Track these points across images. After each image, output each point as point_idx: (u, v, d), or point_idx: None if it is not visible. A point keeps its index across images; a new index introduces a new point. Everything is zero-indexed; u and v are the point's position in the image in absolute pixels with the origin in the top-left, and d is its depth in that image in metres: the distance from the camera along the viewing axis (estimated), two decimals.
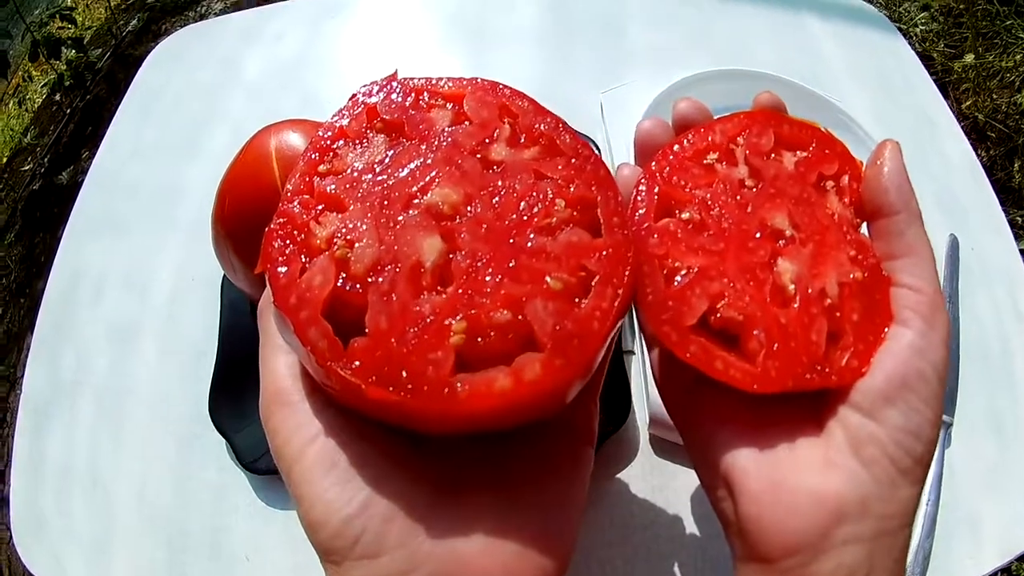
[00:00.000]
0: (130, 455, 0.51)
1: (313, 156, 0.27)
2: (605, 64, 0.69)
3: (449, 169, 0.26)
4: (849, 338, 0.27)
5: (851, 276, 0.28)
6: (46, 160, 1.65)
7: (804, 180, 0.30)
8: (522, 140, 0.27)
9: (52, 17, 1.72)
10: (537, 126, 0.28)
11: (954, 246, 0.59)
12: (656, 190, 0.29)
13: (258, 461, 0.46)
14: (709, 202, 0.29)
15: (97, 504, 0.49)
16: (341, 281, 0.24)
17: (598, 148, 0.60)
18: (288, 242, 0.25)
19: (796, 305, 0.27)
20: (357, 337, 0.23)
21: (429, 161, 0.26)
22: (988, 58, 1.44)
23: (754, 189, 0.30)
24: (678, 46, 0.71)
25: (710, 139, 0.31)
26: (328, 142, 0.27)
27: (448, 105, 0.28)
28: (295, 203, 0.26)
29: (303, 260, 0.24)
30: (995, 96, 1.42)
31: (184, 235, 0.61)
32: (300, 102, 0.69)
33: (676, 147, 0.31)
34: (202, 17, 1.74)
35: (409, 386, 0.22)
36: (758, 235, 0.28)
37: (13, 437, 0.54)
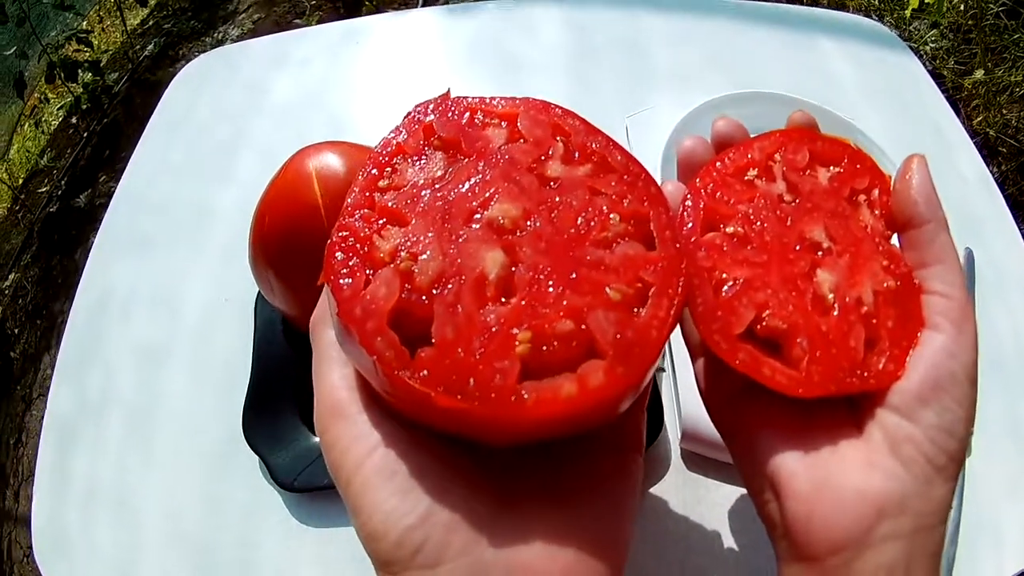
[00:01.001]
0: (158, 474, 0.51)
1: (373, 171, 0.27)
2: (627, 86, 0.71)
3: (507, 185, 0.27)
4: (885, 343, 0.28)
5: (885, 285, 0.29)
6: (63, 183, 1.67)
7: (838, 194, 0.32)
8: (576, 157, 0.29)
9: (68, 39, 1.75)
10: (589, 144, 0.29)
11: (970, 259, 0.60)
12: (701, 205, 0.31)
13: (296, 480, 0.46)
14: (751, 216, 0.31)
15: (123, 523, 0.49)
16: (406, 293, 0.24)
17: None
18: (351, 255, 0.25)
19: (836, 313, 0.29)
20: (424, 347, 0.23)
21: (488, 177, 0.27)
22: (997, 73, 1.45)
23: (792, 204, 0.31)
24: (697, 68, 0.72)
25: (749, 156, 0.33)
26: (386, 158, 0.28)
27: (502, 124, 0.29)
28: (356, 217, 0.26)
29: (367, 272, 0.25)
30: (1005, 111, 1.43)
31: (214, 256, 0.61)
32: (327, 126, 0.70)
33: (719, 164, 0.32)
34: (219, 43, 1.76)
35: (477, 394, 0.22)
36: (798, 247, 0.30)
37: (27, 456, 0.54)
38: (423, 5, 1.57)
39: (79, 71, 1.67)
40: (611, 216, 0.27)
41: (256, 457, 0.48)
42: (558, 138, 0.29)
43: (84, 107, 1.75)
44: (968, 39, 1.49)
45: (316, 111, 0.72)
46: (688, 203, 0.31)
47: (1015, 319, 0.57)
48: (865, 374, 0.28)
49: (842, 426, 0.29)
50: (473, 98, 0.30)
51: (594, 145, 0.29)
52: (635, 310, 0.25)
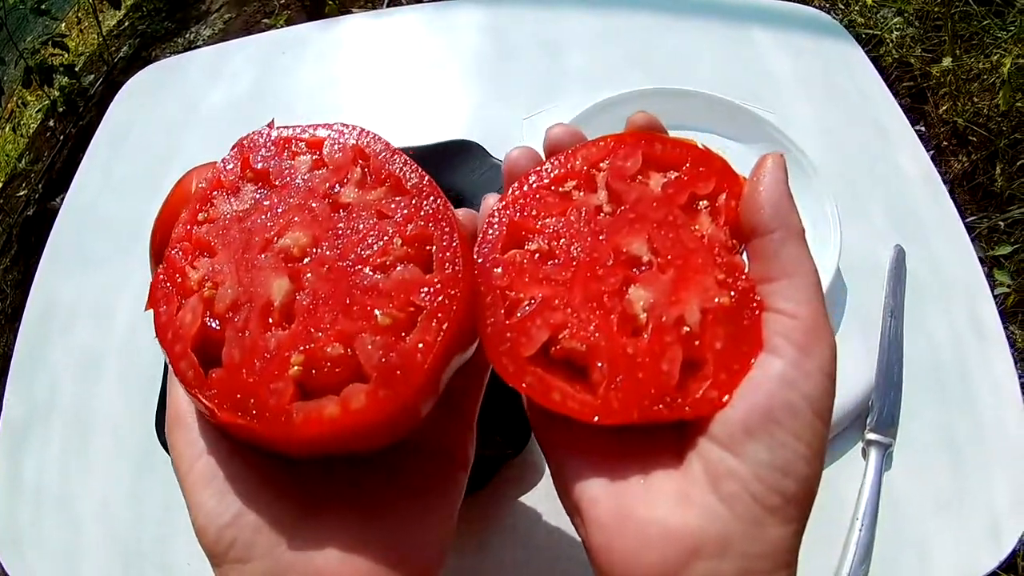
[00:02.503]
0: (94, 475, 0.54)
1: (196, 206, 0.30)
2: (540, 89, 0.70)
3: (302, 213, 0.28)
4: (710, 367, 0.26)
5: (716, 301, 0.27)
6: (40, 186, 1.68)
7: (671, 202, 0.29)
8: (369, 182, 0.29)
9: (45, 44, 1.75)
10: (386, 168, 0.29)
11: (900, 258, 0.58)
12: (505, 221, 0.29)
13: None
14: (559, 231, 0.29)
15: (66, 521, 0.53)
16: (208, 319, 0.27)
17: None
18: (169, 284, 0.28)
19: (647, 334, 0.26)
20: (215, 368, 0.26)
21: (285, 206, 0.29)
22: (966, 61, 1.44)
23: (611, 215, 0.29)
24: (615, 68, 0.71)
25: (570, 166, 0.30)
26: (208, 192, 0.30)
27: (310, 152, 0.30)
28: (176, 249, 0.29)
29: (179, 300, 0.27)
30: (976, 99, 1.42)
31: (144, 269, 0.62)
32: None
33: (532, 176, 0.30)
34: (190, 44, 1.77)
35: (254, 412, 0.24)
36: (610, 262, 0.28)
37: None
38: (388, 5, 1.57)
39: (54, 75, 1.67)
40: (394, 240, 0.27)
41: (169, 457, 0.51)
42: (358, 163, 0.29)
43: (60, 110, 1.76)
44: (936, 26, 1.48)
45: (244, 124, 0.71)
46: (492, 219, 0.29)
47: (955, 326, 0.55)
48: (679, 401, 0.25)
49: (661, 456, 0.26)
50: (291, 127, 0.31)
51: (391, 168, 0.29)
52: (404, 335, 0.25)
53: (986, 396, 0.52)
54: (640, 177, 0.30)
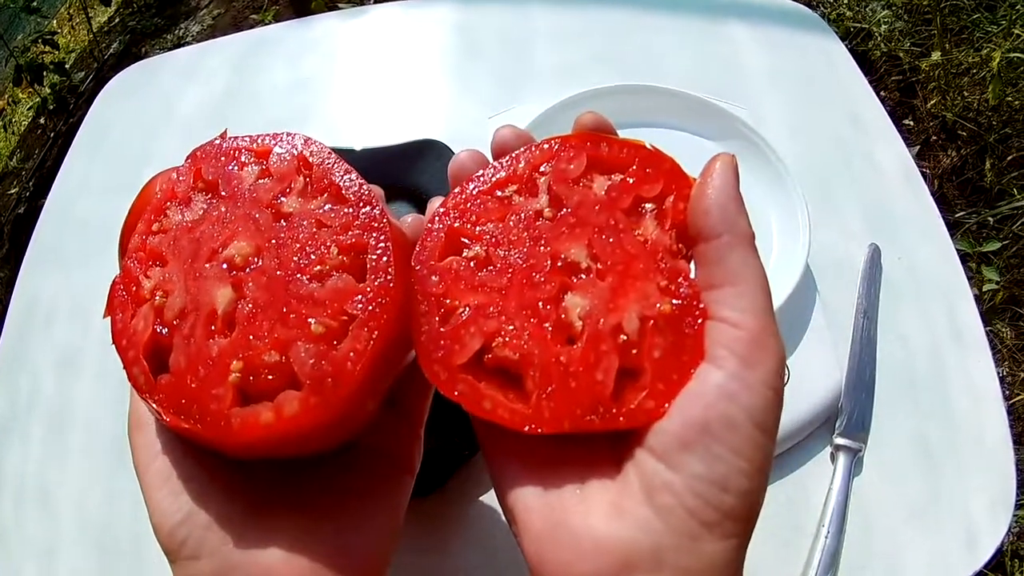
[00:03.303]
0: (71, 471, 0.55)
1: (151, 216, 0.30)
2: (506, 87, 0.70)
3: (246, 223, 0.29)
4: (647, 377, 0.25)
5: (657, 308, 0.26)
6: (31, 184, 1.68)
7: (615, 205, 0.28)
8: (311, 191, 0.29)
9: (35, 41, 1.75)
10: (328, 177, 0.29)
11: (874, 257, 0.58)
12: (443, 228, 0.29)
13: None
14: (498, 237, 0.28)
15: (46, 515, 0.54)
16: (158, 326, 0.28)
17: None
18: (124, 293, 0.29)
19: (581, 343, 0.26)
20: (164, 374, 0.27)
21: (231, 216, 0.29)
22: (956, 55, 1.44)
23: (551, 220, 0.28)
24: (584, 64, 0.71)
25: (513, 169, 0.29)
26: (162, 203, 0.30)
27: (258, 162, 0.30)
28: (133, 259, 0.30)
29: (133, 308, 0.28)
30: (966, 93, 1.42)
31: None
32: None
33: (472, 181, 0.30)
34: (180, 40, 1.76)
35: (197, 416, 0.25)
36: (547, 269, 0.27)
37: None
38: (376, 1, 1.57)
39: (44, 72, 1.67)
40: (331, 249, 0.27)
41: None
42: (301, 172, 0.30)
43: (51, 108, 1.76)
44: (926, 20, 1.47)
45: (217, 125, 0.71)
46: (431, 226, 0.29)
47: (932, 328, 0.54)
48: (612, 411, 0.25)
49: (598, 465, 0.26)
50: (242, 137, 0.31)
51: (332, 177, 0.29)
52: (336, 343, 0.26)
53: (963, 400, 0.51)
54: (584, 180, 0.29)
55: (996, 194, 1.33)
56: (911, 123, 1.41)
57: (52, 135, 1.75)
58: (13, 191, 1.71)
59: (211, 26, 1.77)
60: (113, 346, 0.28)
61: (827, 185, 0.62)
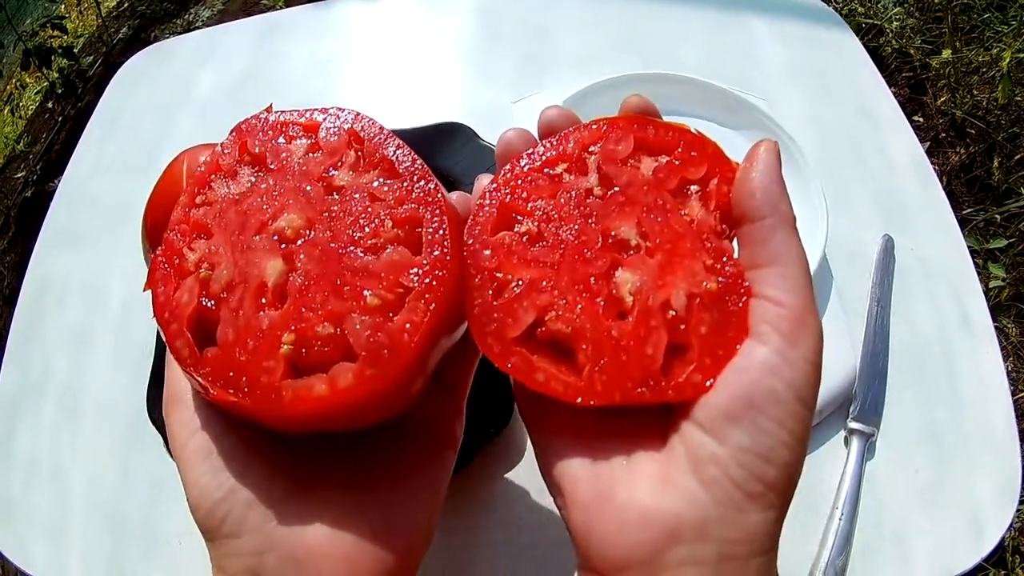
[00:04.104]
0: (84, 449, 0.55)
1: (194, 189, 0.30)
2: (529, 72, 0.70)
3: (296, 196, 0.29)
4: (695, 352, 0.26)
5: (704, 286, 0.27)
6: (39, 167, 1.68)
7: (662, 186, 0.29)
8: (363, 165, 0.29)
9: (43, 26, 1.75)
10: (379, 151, 0.29)
11: (888, 247, 0.58)
12: (495, 203, 0.29)
13: None
14: (549, 213, 0.29)
15: (56, 493, 0.54)
16: (204, 299, 0.27)
17: None
18: (167, 265, 0.28)
19: (632, 317, 0.27)
20: (210, 347, 0.26)
21: (280, 189, 0.29)
22: (966, 53, 1.44)
23: (601, 199, 0.29)
24: (605, 52, 0.71)
25: (562, 148, 0.30)
26: (206, 175, 0.30)
27: (306, 135, 0.31)
28: (174, 232, 0.29)
29: (177, 281, 0.28)
30: (975, 92, 1.42)
31: (136, 249, 0.63)
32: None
33: (524, 158, 0.30)
34: (189, 25, 1.76)
35: (246, 390, 0.25)
36: (599, 245, 0.28)
37: None
38: None
39: (53, 57, 1.67)
40: (385, 222, 0.28)
41: (158, 433, 0.52)
42: (352, 147, 0.30)
43: (59, 92, 1.75)
44: (937, 17, 1.47)
45: (235, 107, 0.72)
46: (482, 201, 0.29)
47: (941, 316, 0.55)
48: (662, 384, 0.26)
49: (645, 438, 0.26)
50: (288, 112, 0.31)
51: (384, 152, 0.29)
52: (392, 315, 0.26)
53: (972, 388, 0.52)
54: (632, 161, 0.30)
55: (1003, 192, 1.33)
56: (921, 120, 1.41)
57: (60, 119, 1.75)
58: (20, 175, 1.71)
59: (221, 11, 1.76)
60: (155, 319, 0.28)
61: (841, 176, 0.63)
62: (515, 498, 0.48)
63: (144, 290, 0.28)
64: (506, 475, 0.48)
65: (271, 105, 0.32)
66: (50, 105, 1.82)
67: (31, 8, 1.89)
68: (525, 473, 0.48)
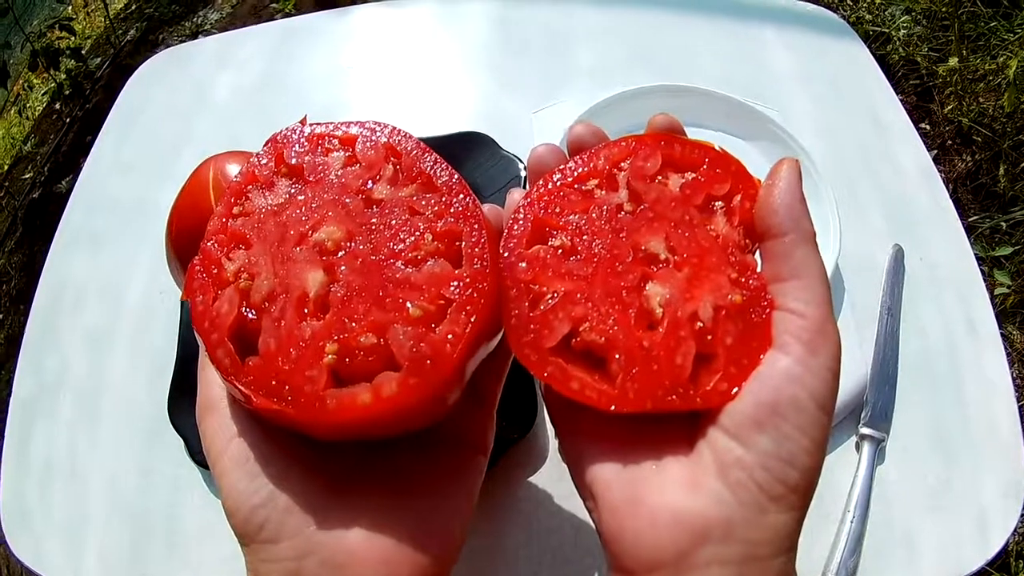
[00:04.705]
0: (102, 451, 0.55)
1: (231, 199, 0.31)
2: (548, 82, 0.71)
3: (336, 208, 0.29)
4: (721, 361, 0.27)
5: (729, 299, 0.28)
6: (46, 169, 1.69)
7: (689, 202, 0.30)
8: (401, 179, 0.30)
9: (51, 27, 1.76)
10: (417, 165, 0.30)
11: (898, 257, 0.59)
12: (530, 218, 0.30)
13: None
14: (582, 228, 0.30)
15: (73, 495, 0.54)
16: (244, 309, 0.28)
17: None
18: (205, 275, 0.29)
19: (662, 328, 0.28)
20: (253, 356, 0.27)
21: (319, 202, 0.30)
22: (973, 61, 1.44)
23: (631, 214, 0.30)
24: (621, 63, 0.72)
25: (593, 165, 0.31)
26: (242, 186, 0.31)
27: (343, 148, 0.31)
28: (212, 241, 0.30)
29: (216, 290, 0.28)
30: (981, 100, 1.42)
31: (154, 251, 0.64)
32: (261, 126, 0.70)
33: (556, 174, 0.31)
34: (198, 28, 1.77)
35: (289, 398, 0.26)
36: (629, 259, 0.29)
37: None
38: None
39: (61, 58, 1.68)
40: (425, 236, 0.28)
41: (178, 436, 0.52)
42: (390, 160, 0.30)
43: (67, 93, 1.76)
44: (944, 26, 1.48)
45: (254, 112, 0.73)
46: (518, 215, 0.30)
47: (948, 324, 0.55)
48: (690, 392, 0.27)
49: (673, 444, 0.28)
50: (323, 124, 0.32)
51: (422, 166, 0.30)
52: (434, 326, 0.26)
53: (978, 394, 0.53)
54: (659, 177, 0.31)
55: (1009, 200, 1.33)
56: (927, 127, 1.41)
57: (67, 121, 1.75)
58: (28, 175, 1.72)
59: (230, 14, 1.77)
60: (193, 328, 0.28)
61: (851, 185, 0.63)
62: (537, 501, 0.48)
63: (182, 299, 0.29)
64: (528, 479, 0.49)
65: (305, 117, 0.32)
66: (57, 106, 1.82)
67: (38, 9, 1.90)
68: (546, 478, 0.49)
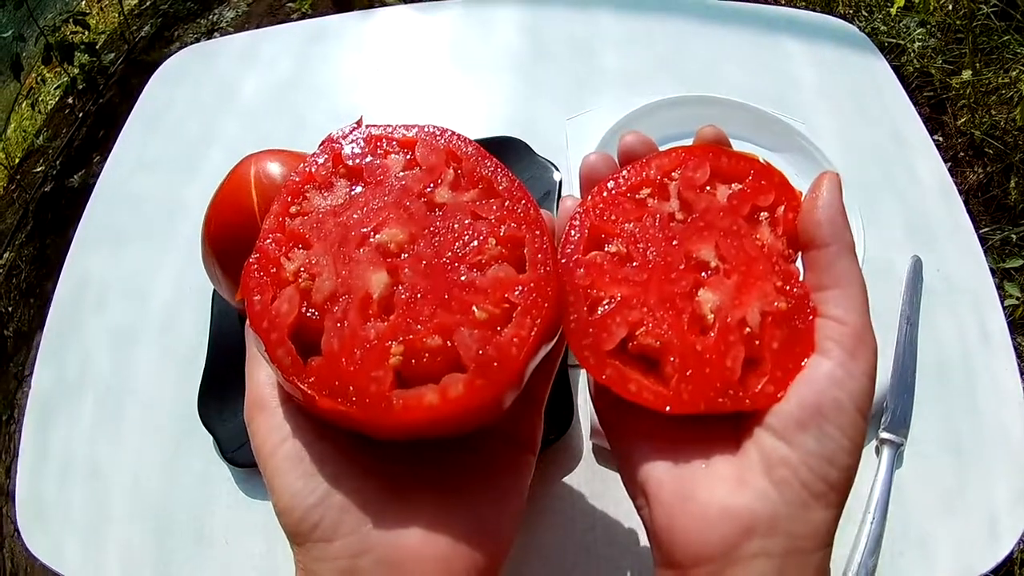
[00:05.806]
0: (126, 449, 0.55)
1: (287, 199, 0.31)
2: (577, 89, 0.71)
3: (398, 211, 0.30)
4: (767, 365, 0.28)
5: (775, 305, 0.29)
6: (58, 163, 1.69)
7: (736, 212, 0.31)
8: (464, 183, 0.31)
9: (66, 21, 1.76)
10: (478, 170, 0.31)
11: (917, 268, 0.59)
12: (587, 224, 0.31)
13: (237, 453, 0.50)
14: (637, 235, 0.31)
15: (94, 493, 0.53)
16: (305, 308, 0.28)
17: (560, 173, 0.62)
18: (262, 274, 0.29)
19: (713, 333, 0.29)
20: (314, 356, 0.27)
21: (381, 204, 0.30)
22: (986, 74, 1.45)
23: (683, 222, 0.31)
24: (648, 70, 0.73)
25: (645, 174, 0.32)
26: (299, 185, 0.31)
27: (403, 151, 0.31)
28: (269, 240, 0.30)
29: (274, 290, 0.28)
30: (994, 112, 1.43)
31: (180, 248, 0.64)
32: (289, 125, 0.72)
33: (611, 183, 0.33)
34: (213, 25, 1.77)
35: (354, 399, 0.26)
36: (682, 266, 0.30)
37: (20, 432, 0.58)
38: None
39: (75, 52, 1.68)
40: (488, 240, 0.29)
41: (208, 434, 0.52)
42: (451, 165, 0.31)
43: (80, 87, 1.77)
44: (958, 39, 1.48)
45: (280, 110, 0.73)
46: (574, 222, 0.31)
47: (963, 332, 0.56)
48: (740, 394, 0.28)
49: (720, 443, 0.29)
50: (380, 126, 0.32)
51: (483, 171, 0.30)
52: (500, 329, 0.27)
53: (991, 402, 0.54)
54: (708, 188, 0.32)
55: (1020, 212, 1.34)
56: (940, 139, 1.42)
57: (80, 115, 1.76)
58: (39, 169, 1.72)
59: (246, 12, 1.77)
60: (253, 330, 0.28)
61: (872, 197, 0.64)
62: (571, 500, 0.48)
63: (238, 299, 0.29)
64: (564, 479, 0.49)
65: (361, 118, 0.33)
66: (70, 101, 1.83)
67: (52, 3, 1.91)
68: (581, 477, 0.49)
